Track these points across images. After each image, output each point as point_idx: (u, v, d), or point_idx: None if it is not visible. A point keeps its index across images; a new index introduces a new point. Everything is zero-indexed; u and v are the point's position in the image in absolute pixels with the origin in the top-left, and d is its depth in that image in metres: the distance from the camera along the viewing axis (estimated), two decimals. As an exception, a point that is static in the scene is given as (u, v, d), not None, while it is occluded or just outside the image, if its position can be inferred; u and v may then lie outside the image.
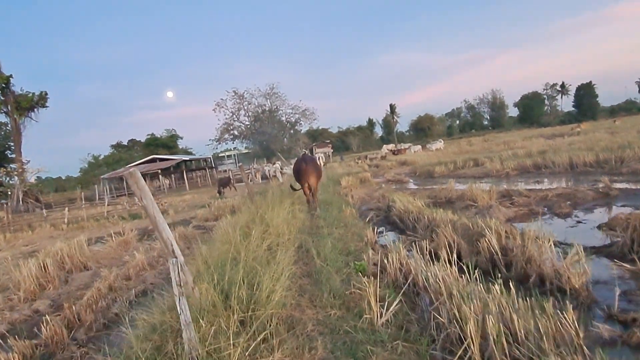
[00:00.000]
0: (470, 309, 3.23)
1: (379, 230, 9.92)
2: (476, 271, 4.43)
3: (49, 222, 21.94)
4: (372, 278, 4.90)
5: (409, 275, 5.07)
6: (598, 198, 9.96)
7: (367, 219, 10.33)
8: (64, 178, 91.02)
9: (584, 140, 24.06)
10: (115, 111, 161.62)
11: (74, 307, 6.14)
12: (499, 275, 5.40)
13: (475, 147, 39.91)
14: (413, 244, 7.41)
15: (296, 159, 14.13)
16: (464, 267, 4.59)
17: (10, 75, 41.09)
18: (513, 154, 22.10)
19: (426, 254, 5.83)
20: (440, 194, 13.37)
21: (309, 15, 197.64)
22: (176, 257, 3.24)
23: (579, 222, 8.13)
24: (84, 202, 24.22)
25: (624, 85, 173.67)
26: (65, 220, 21.86)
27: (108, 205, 23.71)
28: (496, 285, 3.75)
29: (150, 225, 14.63)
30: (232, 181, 30.82)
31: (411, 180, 21.73)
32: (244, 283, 3.61)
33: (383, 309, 3.84)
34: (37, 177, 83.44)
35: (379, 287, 4.40)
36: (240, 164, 8.68)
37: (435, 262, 5.60)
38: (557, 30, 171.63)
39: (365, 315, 3.74)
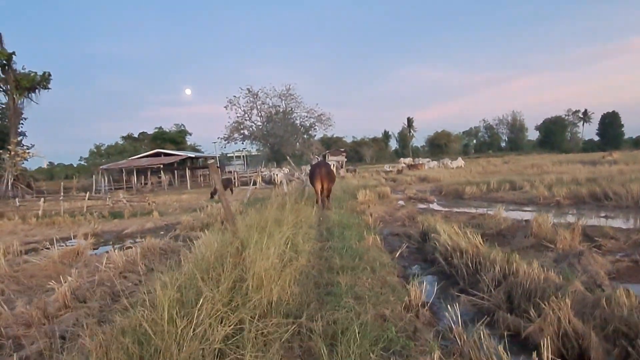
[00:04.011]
0: None
1: (413, 273, 7.03)
2: None
3: (21, 214, 19.27)
4: None
5: None
6: None
7: (397, 254, 7.43)
8: (75, 166, 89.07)
9: (637, 169, 20.89)
10: (132, 104, 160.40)
11: None
12: None
13: (500, 168, 36.79)
14: (489, 317, 4.51)
15: (310, 165, 15.74)
16: None
17: (13, 53, 38.89)
18: (557, 179, 19.01)
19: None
20: (487, 222, 10.45)
21: (329, 24, 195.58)
22: None
23: None
24: (62, 194, 21.57)
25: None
26: (40, 212, 19.19)
27: (89, 199, 21.02)
28: None
29: (127, 228, 11.74)
30: (232, 184, 27.98)
31: (435, 200, 18.77)
32: None
33: None
34: (49, 162, 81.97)
35: None
36: (212, 161, 6.25)
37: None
38: (578, 58, 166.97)
39: None
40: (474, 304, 5.08)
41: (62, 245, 10.15)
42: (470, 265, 6.01)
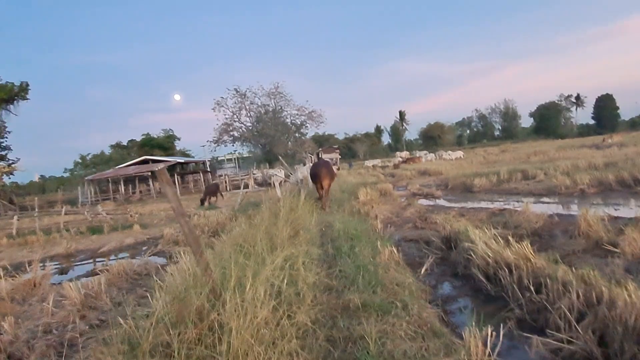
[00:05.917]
0: None
1: (447, 295, 5.55)
2: None
3: (-8, 234, 17.59)
4: None
5: None
6: None
7: (423, 270, 5.95)
8: (65, 177, 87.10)
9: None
10: (121, 113, 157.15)
11: None
12: None
13: (501, 157, 35.48)
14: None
15: (303, 164, 15.67)
16: None
17: (-12, 64, 36.97)
18: (572, 165, 17.60)
19: None
20: (514, 220, 8.94)
21: (314, 21, 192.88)
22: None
23: None
24: (37, 210, 19.83)
25: (635, 100, 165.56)
26: (14, 231, 17.56)
27: (67, 214, 19.38)
28: None
29: (105, 245, 10.15)
30: (219, 189, 26.27)
31: (442, 195, 17.32)
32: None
33: None
34: (41, 176, 79.77)
35: None
36: (163, 166, 5.08)
37: None
38: (568, 42, 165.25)
39: None
40: (551, 347, 3.61)
41: (27, 273, 8.62)
42: (528, 286, 4.54)
